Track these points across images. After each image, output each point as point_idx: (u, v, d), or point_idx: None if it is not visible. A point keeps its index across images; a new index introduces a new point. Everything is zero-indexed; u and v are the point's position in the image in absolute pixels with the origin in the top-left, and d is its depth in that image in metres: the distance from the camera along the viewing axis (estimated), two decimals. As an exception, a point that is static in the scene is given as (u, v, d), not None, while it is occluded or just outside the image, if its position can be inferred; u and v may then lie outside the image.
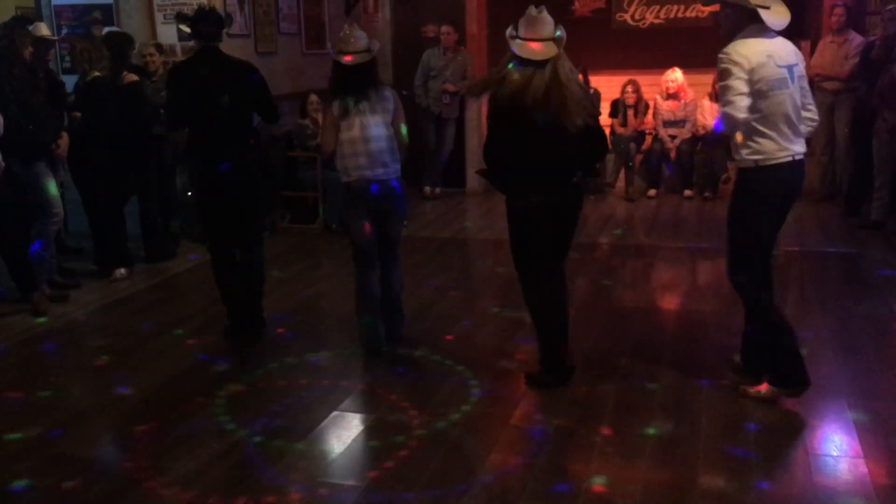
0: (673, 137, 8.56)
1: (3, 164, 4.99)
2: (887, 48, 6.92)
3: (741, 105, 3.63)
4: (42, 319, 5.26)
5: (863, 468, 3.32)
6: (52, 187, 5.54)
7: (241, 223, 4.82)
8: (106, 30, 6.63)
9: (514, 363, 4.44)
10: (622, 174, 8.77)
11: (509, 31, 3.92)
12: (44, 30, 5.92)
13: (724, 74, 3.69)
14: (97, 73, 5.88)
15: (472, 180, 8.90)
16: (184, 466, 3.45)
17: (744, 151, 3.77)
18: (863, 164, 7.27)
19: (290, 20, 8.27)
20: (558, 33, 3.87)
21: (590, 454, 3.48)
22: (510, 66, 3.88)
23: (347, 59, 4.39)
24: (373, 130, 4.40)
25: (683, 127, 8.54)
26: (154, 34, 7.33)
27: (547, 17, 3.89)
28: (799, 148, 3.82)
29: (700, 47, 8.22)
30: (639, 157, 8.83)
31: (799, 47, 3.96)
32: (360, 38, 4.42)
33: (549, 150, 3.89)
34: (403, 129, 4.56)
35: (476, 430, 3.74)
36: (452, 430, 3.72)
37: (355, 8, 9.19)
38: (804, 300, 5.37)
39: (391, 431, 3.71)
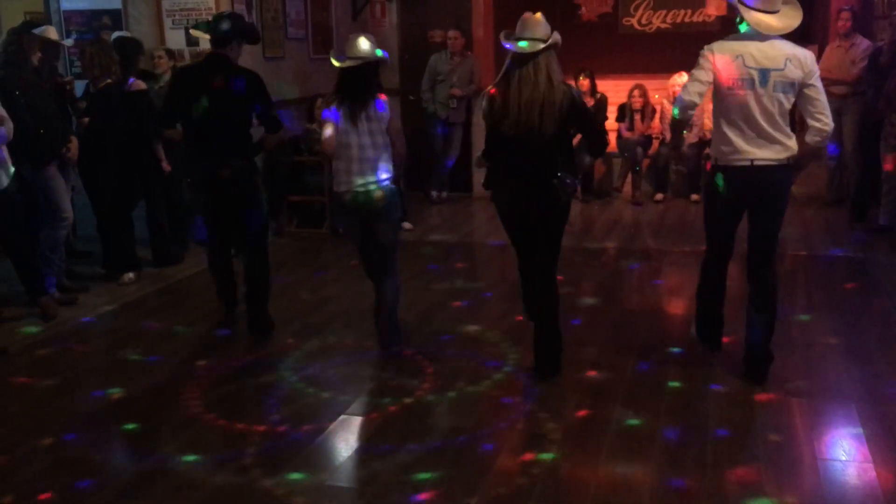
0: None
1: (14, 169, 5.02)
2: (895, 52, 6.91)
3: (692, 90, 3.95)
4: (49, 322, 5.28)
5: (871, 473, 3.31)
6: (62, 191, 5.56)
7: (239, 229, 4.87)
8: (116, 34, 6.65)
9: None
10: (629, 178, 8.78)
11: (503, 35, 4.01)
12: (52, 33, 5.92)
13: (695, 65, 4.00)
14: (109, 81, 5.89)
15: (479, 185, 8.88)
16: (188, 470, 3.46)
17: (710, 149, 4.14)
18: (870, 169, 7.26)
19: (298, 25, 8.29)
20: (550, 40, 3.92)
21: (596, 458, 3.49)
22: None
23: (340, 63, 4.40)
24: (360, 138, 4.38)
25: (690, 131, 8.53)
26: (162, 39, 7.36)
27: (540, 20, 3.96)
28: (765, 153, 3.86)
29: (707, 52, 8.22)
30: (646, 162, 8.83)
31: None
32: (361, 45, 4.41)
33: (521, 154, 4.00)
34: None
35: (484, 438, 3.74)
36: (462, 437, 3.72)
37: (362, 13, 9.22)
38: (811, 305, 5.36)
39: (399, 434, 3.71)
